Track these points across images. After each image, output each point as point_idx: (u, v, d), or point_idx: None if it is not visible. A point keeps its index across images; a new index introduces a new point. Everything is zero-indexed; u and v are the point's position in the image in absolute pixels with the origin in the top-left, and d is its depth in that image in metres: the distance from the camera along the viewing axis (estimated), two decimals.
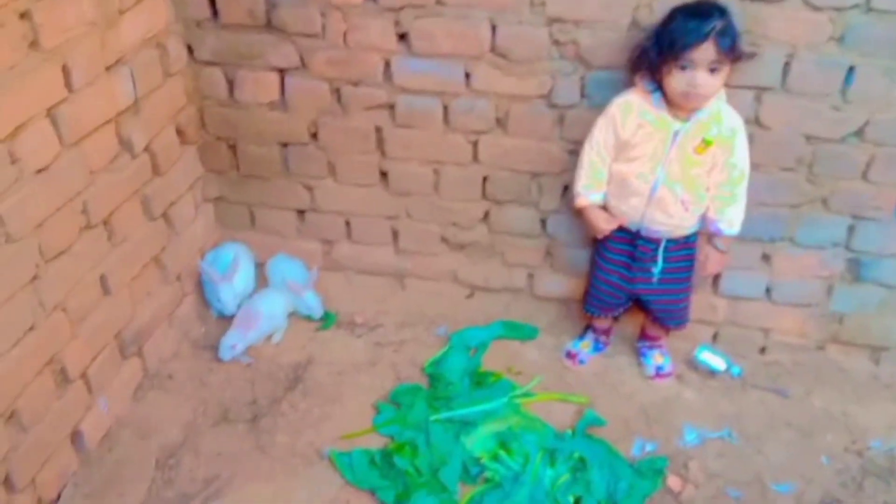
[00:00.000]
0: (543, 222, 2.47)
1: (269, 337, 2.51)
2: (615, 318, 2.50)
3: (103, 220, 2.02)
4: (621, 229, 2.23)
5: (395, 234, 2.58)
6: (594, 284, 2.38)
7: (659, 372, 2.42)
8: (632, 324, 2.54)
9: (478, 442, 2.14)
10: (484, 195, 2.44)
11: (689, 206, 2.11)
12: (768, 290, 2.45)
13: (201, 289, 2.57)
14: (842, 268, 2.37)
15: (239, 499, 2.00)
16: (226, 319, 2.53)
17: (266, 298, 2.51)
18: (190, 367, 2.40)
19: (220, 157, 2.51)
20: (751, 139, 2.18)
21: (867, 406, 2.38)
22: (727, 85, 2.09)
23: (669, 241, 2.20)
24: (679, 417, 2.31)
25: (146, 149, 2.17)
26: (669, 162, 2.05)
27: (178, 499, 1.99)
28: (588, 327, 2.55)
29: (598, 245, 2.33)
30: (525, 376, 2.40)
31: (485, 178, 2.41)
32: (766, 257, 2.40)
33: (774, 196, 2.28)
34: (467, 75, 2.23)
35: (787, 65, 2.07)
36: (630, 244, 2.24)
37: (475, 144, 2.35)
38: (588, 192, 2.19)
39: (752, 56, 2.00)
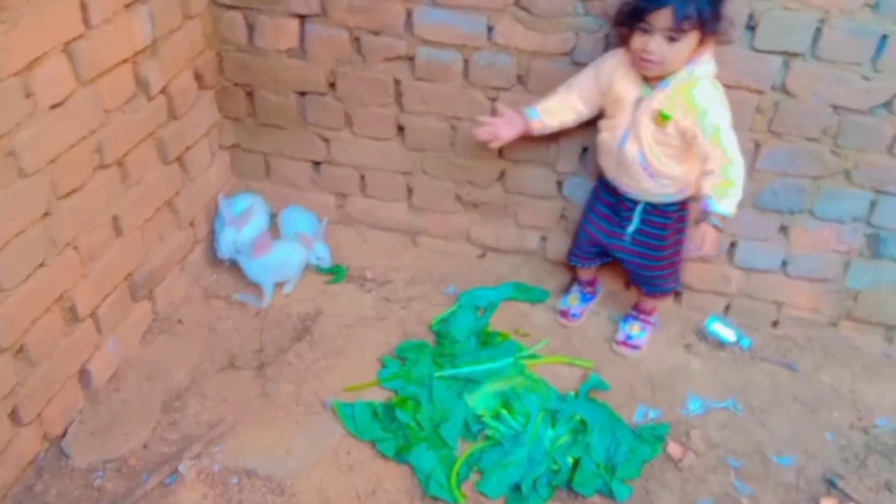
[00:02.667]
0: (560, 184, 2.44)
1: (281, 286, 2.50)
2: (595, 270, 2.49)
3: (117, 160, 2.02)
4: (608, 182, 2.23)
5: (410, 191, 2.56)
6: (578, 234, 2.40)
7: (627, 340, 2.39)
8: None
9: (480, 400, 2.14)
10: (500, 154, 2.41)
11: (654, 174, 2.07)
12: (784, 263, 2.42)
13: (214, 236, 2.57)
14: (861, 243, 2.33)
15: (241, 443, 2.02)
16: (238, 268, 2.54)
17: (281, 245, 2.49)
18: (199, 313, 2.41)
19: (238, 103, 2.49)
20: (776, 107, 2.15)
21: (876, 384, 2.36)
22: (755, 48, 2.06)
23: (648, 203, 2.17)
24: (684, 386, 2.30)
25: (163, 91, 2.16)
26: (634, 127, 2.03)
27: (181, 440, 2.01)
28: (573, 280, 2.54)
29: (590, 195, 2.34)
30: (532, 339, 2.39)
31: None
32: (783, 229, 2.36)
33: (796, 167, 2.23)
34: (489, 29, 2.19)
35: (818, 30, 2.01)
36: (614, 196, 2.23)
37: (494, 101, 2.32)
38: (534, 106, 2.17)
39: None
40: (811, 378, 2.37)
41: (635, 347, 2.39)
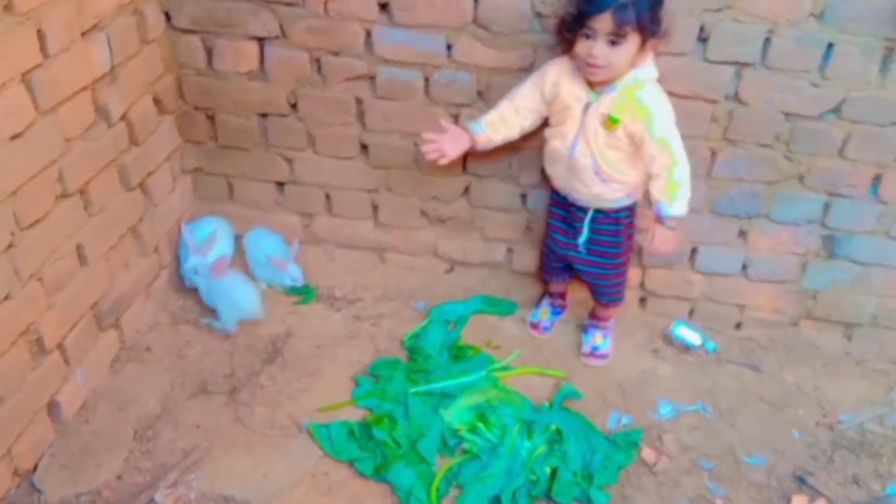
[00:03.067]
0: (524, 197, 2.47)
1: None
2: (566, 284, 2.52)
3: (79, 189, 2.00)
4: (559, 193, 2.26)
5: (375, 208, 2.57)
6: (543, 249, 2.44)
7: (594, 351, 2.42)
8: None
9: (456, 414, 2.15)
10: (464, 169, 2.44)
11: (605, 178, 2.10)
12: (744, 267, 2.48)
13: (179, 262, 2.55)
14: (817, 244, 2.40)
15: (217, 470, 2.00)
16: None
17: (235, 275, 2.48)
18: (167, 340, 2.39)
19: (199, 127, 2.48)
20: (730, 116, 2.21)
21: (838, 381, 2.43)
22: (708, 60, 2.12)
23: (597, 211, 2.20)
24: (654, 391, 2.34)
25: (123, 117, 2.14)
26: (583, 133, 2.06)
27: (156, 469, 1.99)
28: (545, 293, 2.58)
29: (546, 208, 2.38)
30: (503, 350, 2.41)
31: (465, 152, 2.40)
32: (742, 233, 2.42)
33: (752, 172, 2.29)
34: (449, 47, 2.22)
35: (767, 41, 2.08)
36: (565, 208, 2.27)
37: (456, 118, 2.34)
38: (479, 119, 2.20)
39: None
40: (776, 378, 2.43)
41: (603, 357, 2.42)
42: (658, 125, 1.99)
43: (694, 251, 2.48)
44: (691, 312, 2.60)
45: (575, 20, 1.93)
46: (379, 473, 1.99)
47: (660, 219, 2.09)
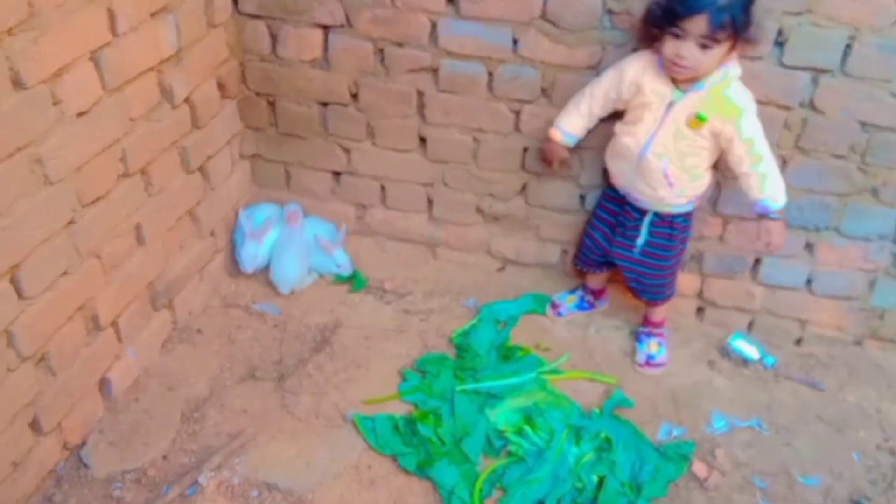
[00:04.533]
0: (582, 198, 2.42)
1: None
2: (609, 278, 2.48)
3: (141, 168, 2.01)
4: (613, 189, 2.22)
5: (430, 202, 2.55)
6: (582, 238, 2.39)
7: (650, 360, 2.35)
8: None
9: (502, 415, 2.11)
10: (523, 167, 2.40)
11: (674, 182, 2.05)
12: (809, 281, 2.39)
13: (233, 246, 2.56)
14: (887, 262, 2.31)
15: (262, 456, 2.00)
16: (256, 277, 2.54)
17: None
18: (219, 323, 2.40)
19: (260, 113, 2.48)
20: (804, 123, 2.13)
21: None
22: (784, 65, 2.04)
23: (655, 214, 2.15)
24: (708, 404, 2.27)
25: (186, 100, 2.15)
26: (661, 131, 2.00)
27: (201, 451, 2.00)
28: (582, 285, 2.53)
29: (596, 203, 2.34)
30: (553, 353, 2.37)
31: (525, 150, 2.36)
32: (809, 246, 2.33)
33: (823, 184, 2.21)
34: (515, 41, 2.18)
35: (847, 47, 2.00)
36: (619, 206, 2.22)
37: (518, 114, 2.30)
38: (563, 128, 2.18)
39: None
40: (836, 397, 2.34)
41: (659, 365, 2.36)
42: (747, 123, 1.95)
43: (757, 262, 2.40)
44: (750, 325, 2.52)
45: (665, 17, 1.87)
46: (422, 470, 1.96)
47: (764, 216, 2.05)
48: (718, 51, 1.86)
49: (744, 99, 1.96)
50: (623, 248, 2.25)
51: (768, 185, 2.02)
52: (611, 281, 2.52)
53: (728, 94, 1.94)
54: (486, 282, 2.61)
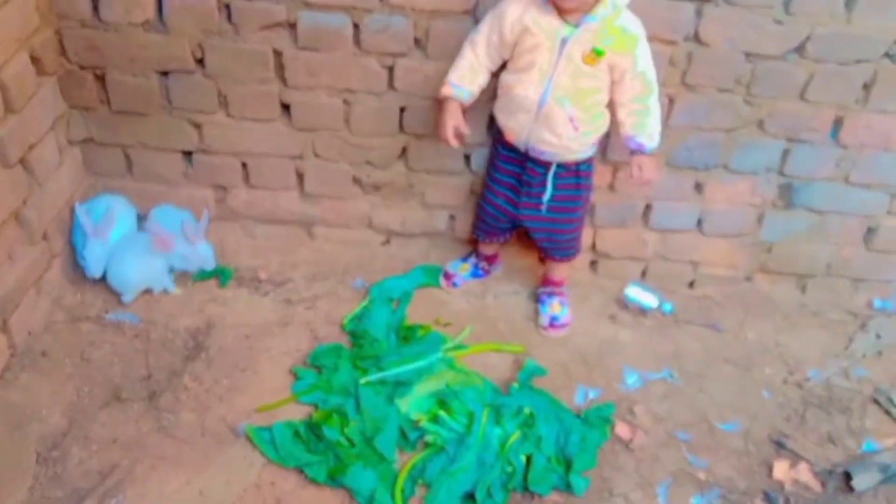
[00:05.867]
0: (467, 158, 2.24)
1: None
2: (500, 245, 2.34)
3: None
4: (510, 148, 2.07)
5: (301, 177, 2.28)
6: (481, 206, 2.23)
7: (553, 322, 2.25)
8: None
9: (414, 403, 1.93)
10: (402, 128, 2.18)
11: (578, 126, 1.93)
12: (699, 222, 2.35)
13: (73, 249, 2.19)
14: (774, 194, 2.29)
15: (144, 490, 1.70)
16: (103, 284, 2.19)
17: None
18: (67, 341, 2.05)
19: (87, 90, 2.11)
20: (689, 58, 2.05)
21: (799, 335, 2.34)
22: None
23: (559, 166, 2.03)
24: (617, 360, 2.19)
25: None
26: (558, 73, 1.87)
27: (68, 497, 1.68)
28: (474, 251, 2.39)
29: (489, 165, 2.18)
30: (455, 328, 2.20)
31: (402, 109, 2.15)
32: (698, 186, 2.28)
33: (711, 120, 2.15)
34: None
35: None
36: (519, 165, 2.08)
37: (391, 70, 2.08)
38: (454, 82, 1.98)
39: None
40: (737, 336, 2.33)
41: (563, 326, 2.25)
42: (642, 53, 1.87)
43: (648, 208, 2.32)
44: (643, 274, 2.46)
45: None
46: (334, 478, 1.74)
47: (636, 153, 1.97)
48: None
49: (637, 27, 1.86)
50: (530, 209, 2.10)
51: (650, 122, 1.95)
52: (502, 244, 2.37)
53: (621, 24, 1.82)
54: (372, 258, 2.40)
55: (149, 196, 2.29)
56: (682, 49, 2.03)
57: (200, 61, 2.07)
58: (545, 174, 2.03)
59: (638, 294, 2.39)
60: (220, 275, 2.27)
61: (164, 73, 2.09)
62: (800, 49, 2.02)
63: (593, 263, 2.45)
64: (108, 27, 2.01)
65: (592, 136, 1.98)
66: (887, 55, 2.04)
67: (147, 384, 1.96)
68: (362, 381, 1.95)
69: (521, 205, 2.11)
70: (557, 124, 1.91)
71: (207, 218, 2.24)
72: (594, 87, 1.89)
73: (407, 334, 2.12)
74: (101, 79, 2.10)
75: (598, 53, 1.82)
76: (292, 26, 2.01)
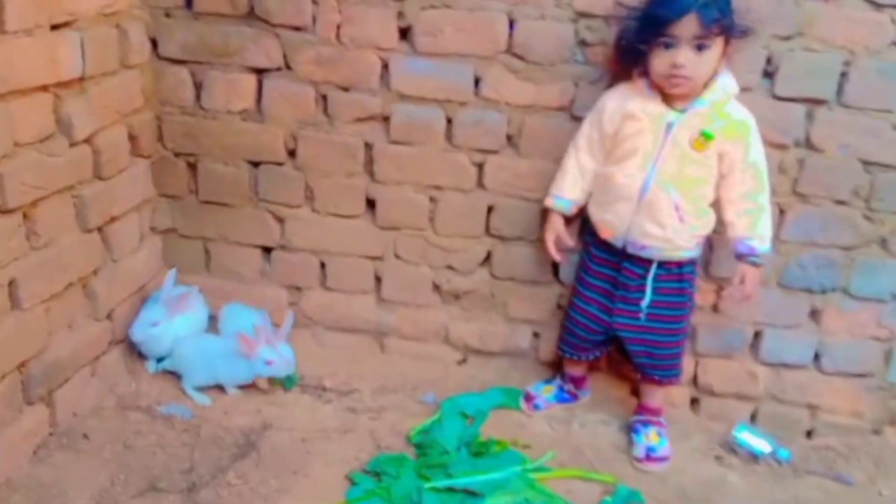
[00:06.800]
0: (555, 267, 2.10)
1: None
2: (590, 365, 2.12)
3: (23, 207, 1.60)
4: (605, 248, 1.91)
5: (379, 280, 2.17)
6: (570, 316, 2.02)
7: (650, 454, 1.96)
8: None
9: None
10: (487, 230, 2.08)
11: (684, 216, 1.78)
12: (817, 356, 2.09)
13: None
14: None
15: None
16: (164, 376, 2.06)
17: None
18: (112, 427, 1.88)
19: (178, 178, 2.12)
20: (801, 165, 1.92)
21: None
22: (776, 96, 1.85)
23: (660, 266, 1.85)
24: (727, 502, 1.86)
25: (88, 141, 1.79)
26: (663, 158, 1.76)
27: None
28: (559, 373, 2.15)
29: (579, 270, 2.01)
30: (535, 451, 1.93)
31: (490, 209, 2.06)
32: (814, 313, 2.05)
33: (826, 235, 1.97)
34: (477, 81, 1.94)
35: (843, 74, 1.83)
36: (614, 267, 1.91)
37: (481, 167, 2.02)
38: (555, 193, 1.92)
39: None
40: (868, 491, 1.96)
41: (662, 460, 1.95)
42: (754, 142, 1.77)
43: (757, 336, 2.09)
44: (753, 417, 2.16)
45: (652, 28, 1.69)
46: None
47: (745, 258, 1.82)
48: (714, 52, 1.68)
49: (748, 116, 1.77)
50: (626, 317, 1.91)
51: (762, 223, 1.82)
52: (592, 369, 2.15)
53: (730, 110, 1.75)
54: (445, 377, 2.20)
55: (222, 293, 2.21)
56: (792, 154, 1.91)
57: (292, 153, 2.07)
58: (644, 275, 1.86)
59: (748, 437, 2.08)
60: (284, 379, 2.11)
61: (255, 164, 2.09)
62: None
63: (694, 401, 2.18)
64: (206, 114, 2.05)
65: (698, 231, 1.83)
66: None
67: (188, 477, 1.75)
68: (428, 486, 1.69)
69: (615, 311, 1.91)
70: (661, 213, 1.77)
71: (291, 320, 2.11)
72: (701, 177, 1.77)
73: (480, 449, 1.87)
74: (192, 167, 2.11)
75: (707, 137, 1.73)
76: (386, 119, 2.01)
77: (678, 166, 1.75)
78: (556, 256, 1.97)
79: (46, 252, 1.69)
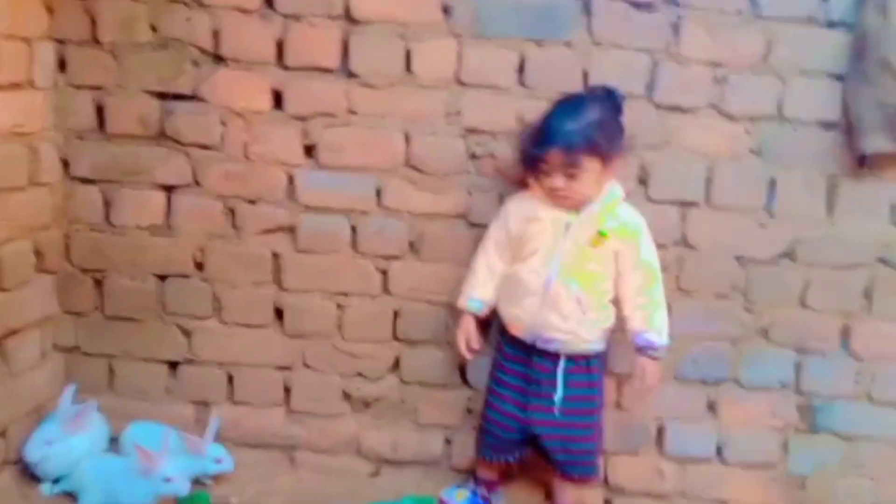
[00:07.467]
0: (462, 369, 2.15)
1: None
2: (504, 471, 2.11)
3: None
4: (516, 344, 1.97)
5: (288, 391, 2.17)
6: (486, 416, 2.04)
7: None
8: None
9: None
10: (395, 335, 2.13)
11: (586, 309, 1.87)
12: (719, 449, 2.15)
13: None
14: (795, 416, 2.13)
15: None
16: (60, 500, 1.96)
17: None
18: None
19: (84, 294, 2.11)
20: (681, 262, 2.07)
21: None
22: (652, 200, 2.03)
23: (569, 360, 1.92)
24: None
25: None
26: (563, 255, 1.87)
27: None
28: (473, 477, 2.14)
29: (493, 370, 2.05)
30: None
31: (396, 314, 2.12)
32: (711, 405, 2.13)
33: (712, 328, 2.09)
34: (378, 192, 2.06)
35: (708, 180, 2.02)
36: (525, 364, 1.96)
37: (385, 273, 2.10)
38: (466, 294, 1.99)
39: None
40: None
41: None
42: (645, 243, 1.90)
43: (660, 431, 2.15)
44: None
45: (529, 160, 1.87)
46: None
47: (644, 351, 1.89)
48: (588, 175, 1.82)
49: (637, 218, 1.91)
50: (541, 412, 1.93)
51: (657, 317, 1.90)
52: (505, 475, 2.15)
53: (620, 212, 1.89)
54: (357, 490, 2.15)
55: (124, 412, 2.13)
56: (672, 253, 2.06)
57: (199, 265, 2.11)
58: (554, 369, 1.91)
59: None
60: (195, 499, 2.03)
61: (163, 278, 2.12)
62: (790, 254, 2.05)
63: (607, 503, 2.19)
64: (115, 230, 2.09)
65: (601, 325, 1.91)
66: (882, 260, 2.06)
67: None
68: None
69: (530, 407, 1.94)
70: (564, 306, 1.86)
71: (217, 423, 2.07)
72: (600, 273, 1.88)
73: None
74: (98, 284, 2.12)
75: (602, 235, 1.86)
76: (292, 230, 2.08)
77: (578, 262, 1.86)
78: (467, 355, 2.01)
79: None
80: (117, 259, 2.10)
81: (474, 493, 2.10)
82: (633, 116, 1.96)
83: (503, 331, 2.01)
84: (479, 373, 2.12)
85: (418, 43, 1.99)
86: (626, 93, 1.93)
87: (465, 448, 2.17)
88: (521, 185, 1.95)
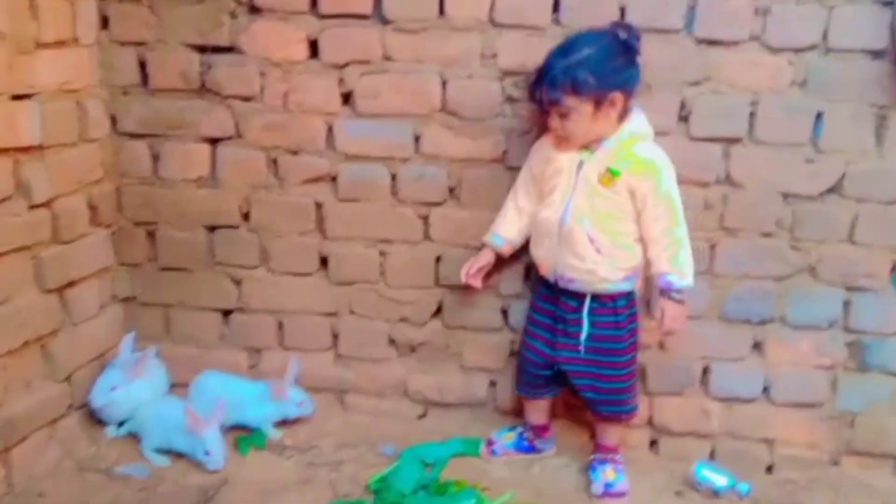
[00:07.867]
0: (505, 312, 2.17)
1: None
2: (548, 412, 2.13)
3: None
4: (545, 284, 1.99)
5: (336, 337, 2.23)
6: (520, 355, 2.09)
7: (608, 490, 1.98)
8: None
9: None
10: (437, 281, 2.16)
11: (601, 248, 1.87)
12: (766, 389, 2.13)
13: None
14: (843, 354, 2.09)
15: None
16: (125, 440, 2.07)
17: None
18: (68, 487, 1.88)
19: (137, 246, 2.20)
20: (725, 200, 2.04)
21: None
22: (693, 137, 1.99)
23: (594, 300, 1.92)
24: None
25: (47, 205, 1.89)
26: (576, 194, 1.87)
27: None
28: (523, 422, 2.17)
29: (528, 310, 2.08)
30: (493, 492, 1.94)
31: (438, 259, 2.15)
32: (757, 345, 2.11)
33: (757, 266, 2.06)
34: (416, 138, 2.07)
35: (752, 114, 1.98)
36: (553, 303, 1.98)
37: (426, 219, 2.12)
38: (491, 230, 2.04)
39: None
40: None
41: (620, 495, 1.97)
42: (663, 179, 1.84)
43: (706, 371, 2.14)
44: (712, 454, 2.18)
45: (530, 100, 1.91)
46: None
47: (666, 293, 1.87)
48: (579, 116, 1.81)
49: (656, 155, 1.87)
50: (567, 350, 1.96)
51: (681, 257, 1.86)
52: (556, 416, 2.18)
53: (637, 150, 1.85)
54: (406, 431, 2.21)
55: (182, 360, 2.24)
56: (715, 191, 2.03)
57: (246, 216, 2.17)
58: (579, 308, 1.93)
59: (708, 473, 2.09)
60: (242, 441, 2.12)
61: (212, 229, 2.18)
62: (837, 189, 2.00)
63: (654, 443, 2.20)
64: (164, 183, 2.16)
65: (621, 264, 1.90)
66: None
67: None
68: None
69: (558, 345, 1.97)
70: (578, 245, 1.87)
71: (297, 363, 2.17)
72: (613, 212, 1.86)
73: (439, 489, 1.88)
74: (151, 235, 2.20)
75: (613, 174, 1.84)
76: (334, 179, 2.12)
77: (589, 201, 1.86)
78: (466, 279, 2.04)
79: (3, 309, 1.75)
80: (167, 211, 2.17)
81: (521, 437, 2.14)
82: (672, 52, 1.94)
83: (537, 273, 2.03)
84: (520, 316, 2.14)
85: None
86: (666, 27, 1.90)
87: (509, 390, 2.21)
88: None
